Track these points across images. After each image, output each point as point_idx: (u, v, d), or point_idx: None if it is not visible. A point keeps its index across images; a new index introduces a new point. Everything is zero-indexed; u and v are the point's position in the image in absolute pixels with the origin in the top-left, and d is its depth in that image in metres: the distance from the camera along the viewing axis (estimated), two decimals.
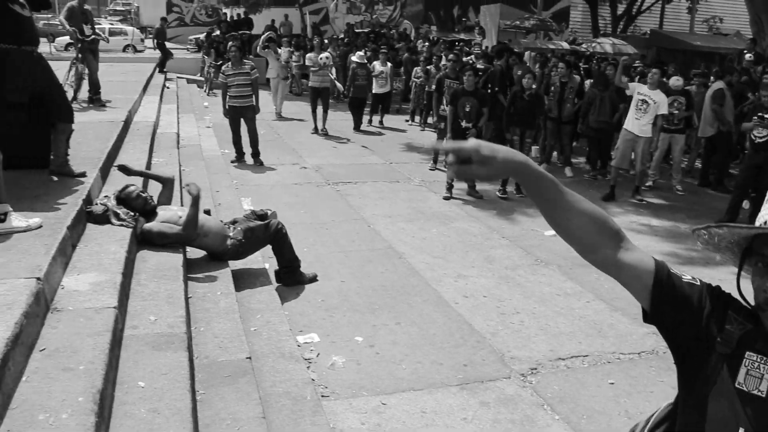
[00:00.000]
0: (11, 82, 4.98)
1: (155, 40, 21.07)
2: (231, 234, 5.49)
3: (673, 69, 13.07)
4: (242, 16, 27.14)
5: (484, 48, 17.97)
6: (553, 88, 11.07)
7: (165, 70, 19.92)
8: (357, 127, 14.64)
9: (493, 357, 4.96)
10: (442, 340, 5.17)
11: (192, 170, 8.45)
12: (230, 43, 11.72)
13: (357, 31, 25.94)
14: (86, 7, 10.71)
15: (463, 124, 9.15)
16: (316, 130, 13.80)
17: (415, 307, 5.74)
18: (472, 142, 1.36)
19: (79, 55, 10.23)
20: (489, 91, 11.20)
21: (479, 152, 1.35)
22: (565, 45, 20.63)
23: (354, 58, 14.90)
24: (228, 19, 27.65)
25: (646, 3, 25.81)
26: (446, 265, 6.75)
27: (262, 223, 5.71)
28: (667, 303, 1.47)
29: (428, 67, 14.64)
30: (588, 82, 12.01)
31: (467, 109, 9.15)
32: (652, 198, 9.97)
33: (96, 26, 11.23)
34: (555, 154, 11.66)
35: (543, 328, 5.47)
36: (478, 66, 12.54)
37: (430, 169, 10.99)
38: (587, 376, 4.76)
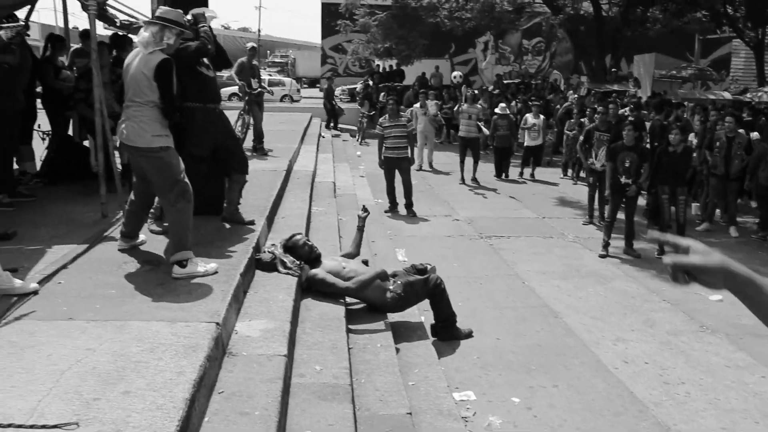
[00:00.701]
0: (196, 137, 5.38)
1: (324, 100, 21.67)
2: (391, 287, 5.58)
3: None
4: (394, 67, 27.93)
5: (638, 98, 17.50)
6: (718, 144, 10.56)
7: (333, 125, 20.64)
8: (499, 175, 14.87)
9: (657, 429, 4.71)
10: (602, 407, 4.97)
11: (348, 220, 8.69)
12: (385, 95, 12.11)
13: (506, 82, 25.99)
14: (254, 62, 11.44)
15: (623, 180, 8.88)
16: (463, 181, 13.92)
17: (573, 369, 5.57)
18: (687, 243, 1.35)
19: (246, 107, 10.90)
20: (649, 145, 10.88)
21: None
22: (726, 95, 19.66)
23: (496, 110, 15.10)
24: (380, 70, 28.57)
25: None
26: (604, 327, 6.52)
27: (421, 277, 5.78)
28: None
29: (582, 119, 14.43)
30: (753, 135, 11.36)
31: (627, 165, 8.88)
32: None
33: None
34: (717, 212, 11.07)
35: (712, 402, 5.13)
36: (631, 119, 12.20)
37: (584, 224, 10.71)
38: None
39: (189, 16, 5.45)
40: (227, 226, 6.11)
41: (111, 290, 4.36)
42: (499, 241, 9.48)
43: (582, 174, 13.94)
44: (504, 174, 14.86)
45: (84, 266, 4.86)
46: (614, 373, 5.52)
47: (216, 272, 4.66)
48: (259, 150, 10.69)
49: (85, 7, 6.21)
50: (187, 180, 4.69)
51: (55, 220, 6.18)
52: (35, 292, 4.24)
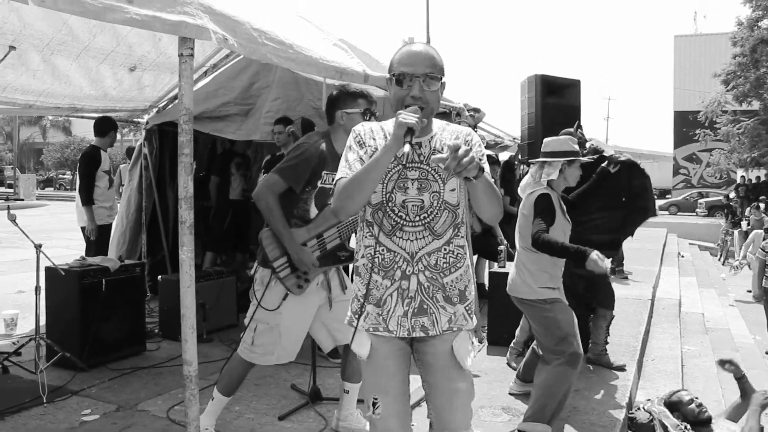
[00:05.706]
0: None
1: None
2: None
3: None
4: (762, 179, 25.20)
5: None
6: None
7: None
8: None
9: None
10: None
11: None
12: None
13: None
14: None
15: None
16: None
17: None
18: None
19: None
20: None
21: None
22: None
23: None
24: (745, 182, 25.93)
25: None
26: None
27: None
28: None
29: None
30: None
31: None
32: None
33: None
34: None
35: None
36: None
37: None
38: None
39: (589, 144, 5.11)
40: (591, 368, 5.36)
41: None
42: None
43: None
44: None
45: None
46: None
47: None
48: (618, 272, 9.80)
49: None
50: (578, 342, 3.96)
51: None
52: None
